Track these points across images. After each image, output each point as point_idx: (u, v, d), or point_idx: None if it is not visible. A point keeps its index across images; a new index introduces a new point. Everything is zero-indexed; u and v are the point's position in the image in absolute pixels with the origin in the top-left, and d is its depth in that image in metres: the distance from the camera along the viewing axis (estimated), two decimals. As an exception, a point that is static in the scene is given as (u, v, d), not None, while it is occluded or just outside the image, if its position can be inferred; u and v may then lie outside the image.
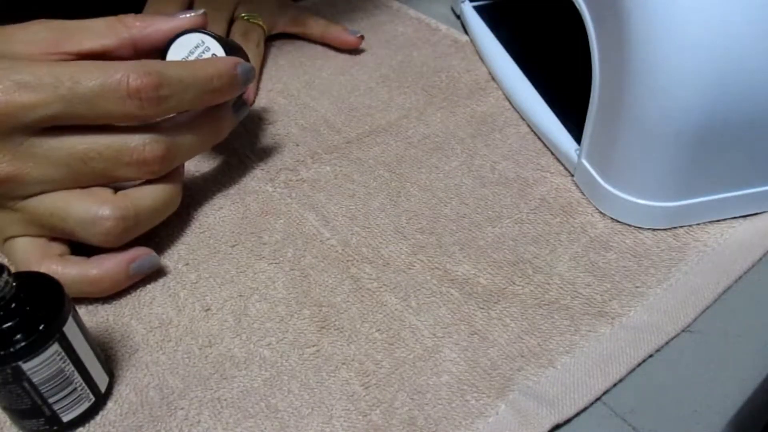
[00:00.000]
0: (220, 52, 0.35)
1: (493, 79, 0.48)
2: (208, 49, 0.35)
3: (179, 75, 0.32)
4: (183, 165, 0.35)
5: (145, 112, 0.31)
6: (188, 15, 0.35)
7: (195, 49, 0.35)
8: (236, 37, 0.48)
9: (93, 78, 0.29)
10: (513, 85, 0.45)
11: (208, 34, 0.35)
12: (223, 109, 0.36)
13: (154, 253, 0.33)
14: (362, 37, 0.50)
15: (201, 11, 0.36)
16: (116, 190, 0.32)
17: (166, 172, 0.33)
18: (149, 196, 0.33)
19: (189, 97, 0.32)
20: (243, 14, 0.49)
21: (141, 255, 0.33)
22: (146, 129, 0.32)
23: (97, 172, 0.31)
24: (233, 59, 0.35)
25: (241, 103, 0.38)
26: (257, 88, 0.48)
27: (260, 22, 0.49)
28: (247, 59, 0.37)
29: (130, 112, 0.30)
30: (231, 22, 0.49)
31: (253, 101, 0.46)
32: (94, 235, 0.31)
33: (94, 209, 0.31)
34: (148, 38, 0.34)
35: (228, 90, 0.34)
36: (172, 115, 0.34)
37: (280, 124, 0.44)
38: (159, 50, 0.35)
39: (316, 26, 0.51)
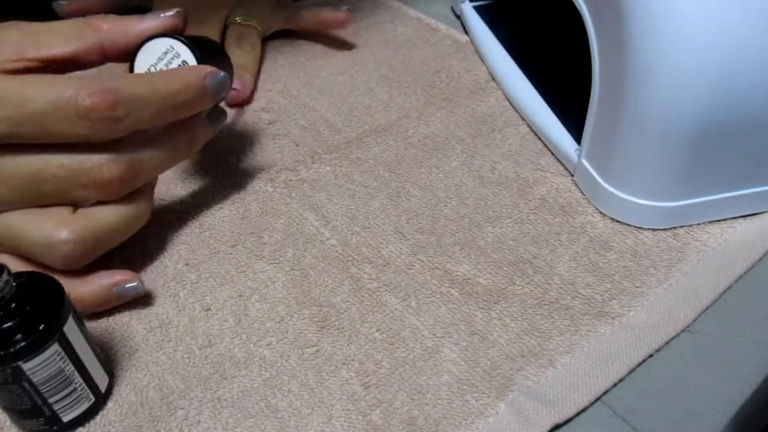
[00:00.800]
0: (190, 58, 0.32)
1: (493, 79, 0.48)
2: (177, 55, 0.32)
3: (138, 92, 0.29)
4: (155, 179, 0.33)
5: (97, 133, 0.28)
6: (161, 15, 0.32)
7: (164, 55, 0.32)
8: (231, 41, 0.48)
9: (41, 96, 0.27)
10: (513, 85, 0.45)
11: (179, 39, 0.32)
12: (195, 121, 0.33)
13: (139, 279, 0.32)
14: (350, 11, 0.50)
15: (174, 10, 0.32)
16: (76, 207, 0.30)
17: (131, 191, 0.31)
18: (110, 217, 0.30)
19: (149, 115, 0.29)
20: (237, 18, 0.49)
21: (126, 279, 0.31)
22: (105, 147, 0.29)
23: (51, 193, 0.29)
24: (203, 69, 0.31)
25: (218, 113, 0.35)
26: (256, 88, 0.48)
27: (254, 23, 0.49)
28: (227, 63, 0.34)
29: (81, 133, 0.28)
30: (226, 28, 0.49)
31: (251, 100, 0.46)
32: (52, 260, 0.29)
33: (49, 232, 0.29)
34: (117, 42, 0.31)
35: (197, 103, 0.32)
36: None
37: (280, 124, 0.44)
38: (130, 54, 0.32)
39: (308, 16, 0.52)
